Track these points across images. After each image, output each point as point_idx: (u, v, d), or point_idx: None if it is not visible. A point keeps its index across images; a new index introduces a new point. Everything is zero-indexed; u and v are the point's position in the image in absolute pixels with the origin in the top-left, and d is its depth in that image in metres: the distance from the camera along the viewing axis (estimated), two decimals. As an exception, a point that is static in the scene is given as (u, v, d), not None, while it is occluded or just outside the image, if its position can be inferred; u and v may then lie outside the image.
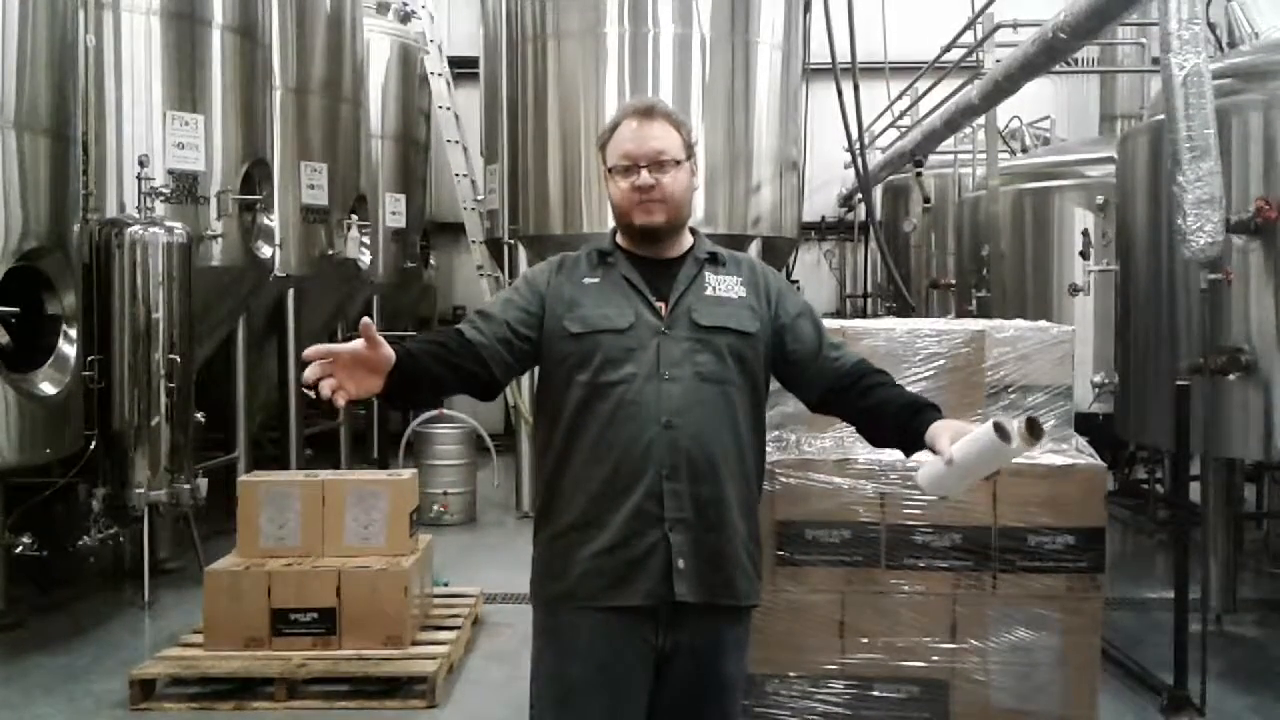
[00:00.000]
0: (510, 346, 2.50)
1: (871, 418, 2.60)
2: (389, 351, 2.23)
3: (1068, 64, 7.76)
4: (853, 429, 2.72)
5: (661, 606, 2.47)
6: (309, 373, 2.16)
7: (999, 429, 2.20)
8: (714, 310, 2.54)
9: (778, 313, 2.63)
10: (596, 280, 2.56)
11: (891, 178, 11.84)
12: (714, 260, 2.63)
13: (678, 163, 2.53)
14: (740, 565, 2.54)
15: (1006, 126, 10.29)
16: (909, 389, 2.68)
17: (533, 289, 2.57)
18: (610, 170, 2.56)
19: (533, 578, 2.63)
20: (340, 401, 2.17)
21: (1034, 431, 2.20)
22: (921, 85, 10.28)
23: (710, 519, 2.48)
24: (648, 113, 2.56)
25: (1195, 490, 5.98)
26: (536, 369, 2.62)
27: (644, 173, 2.50)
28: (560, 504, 2.53)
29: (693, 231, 2.67)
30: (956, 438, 2.31)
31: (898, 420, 2.51)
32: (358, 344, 2.21)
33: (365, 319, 2.26)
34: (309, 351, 2.17)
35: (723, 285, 2.58)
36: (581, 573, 2.49)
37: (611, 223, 2.70)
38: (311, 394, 2.16)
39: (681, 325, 2.51)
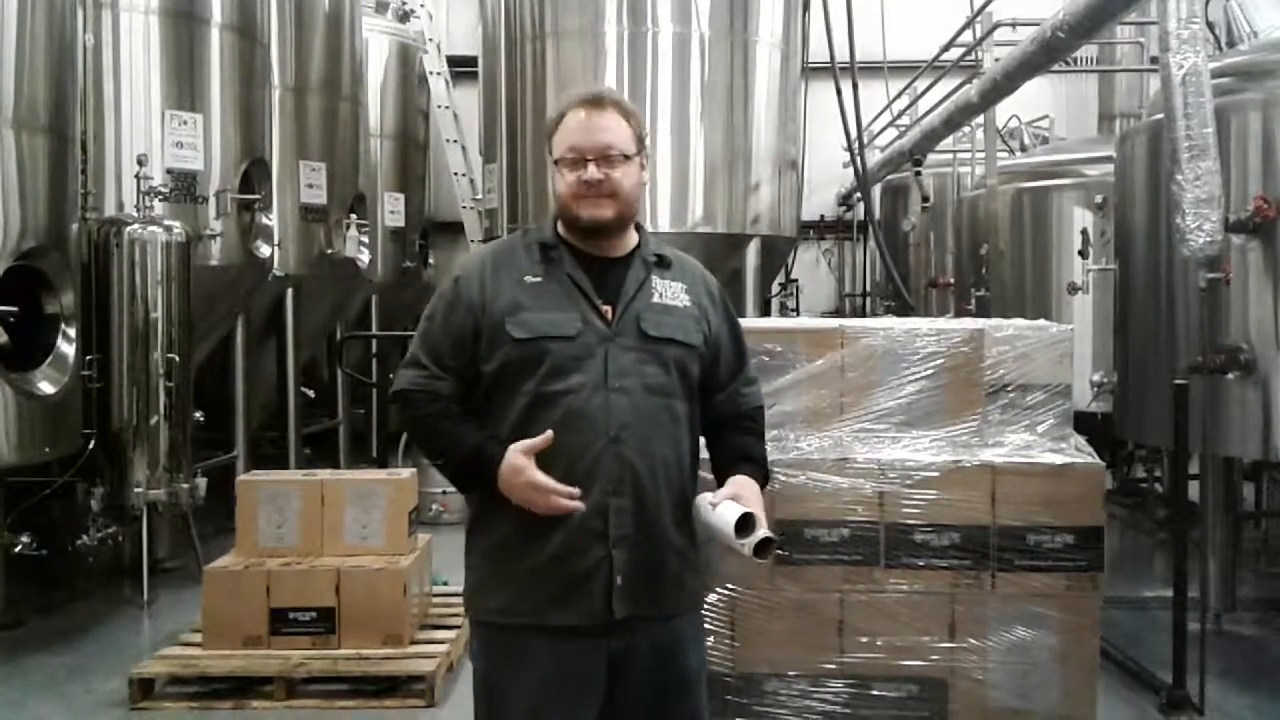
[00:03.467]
0: (470, 385, 2.48)
1: (712, 452, 2.66)
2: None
3: (1066, 63, 7.76)
4: (852, 428, 2.73)
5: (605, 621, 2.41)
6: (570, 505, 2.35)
7: (744, 523, 2.33)
8: (661, 320, 2.47)
9: (717, 331, 2.58)
10: (539, 280, 2.45)
11: (890, 177, 11.83)
12: (661, 263, 2.55)
13: (627, 157, 2.44)
14: (672, 576, 2.48)
15: (1005, 125, 10.29)
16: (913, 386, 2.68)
17: (465, 308, 2.45)
18: (556, 162, 2.46)
19: (466, 592, 2.54)
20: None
21: (761, 551, 2.33)
22: (920, 84, 10.28)
23: (650, 534, 2.43)
24: (596, 102, 2.46)
25: (1194, 489, 5.98)
26: None
27: (591, 167, 2.41)
28: (499, 514, 2.43)
29: (638, 228, 2.58)
30: (736, 497, 2.40)
31: (723, 459, 2.59)
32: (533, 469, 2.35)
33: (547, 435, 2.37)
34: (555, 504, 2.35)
35: (669, 291, 2.51)
36: (520, 587, 2.41)
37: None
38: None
39: (629, 334, 2.44)
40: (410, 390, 2.49)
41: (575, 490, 2.33)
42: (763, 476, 2.57)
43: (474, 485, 2.47)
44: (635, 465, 2.39)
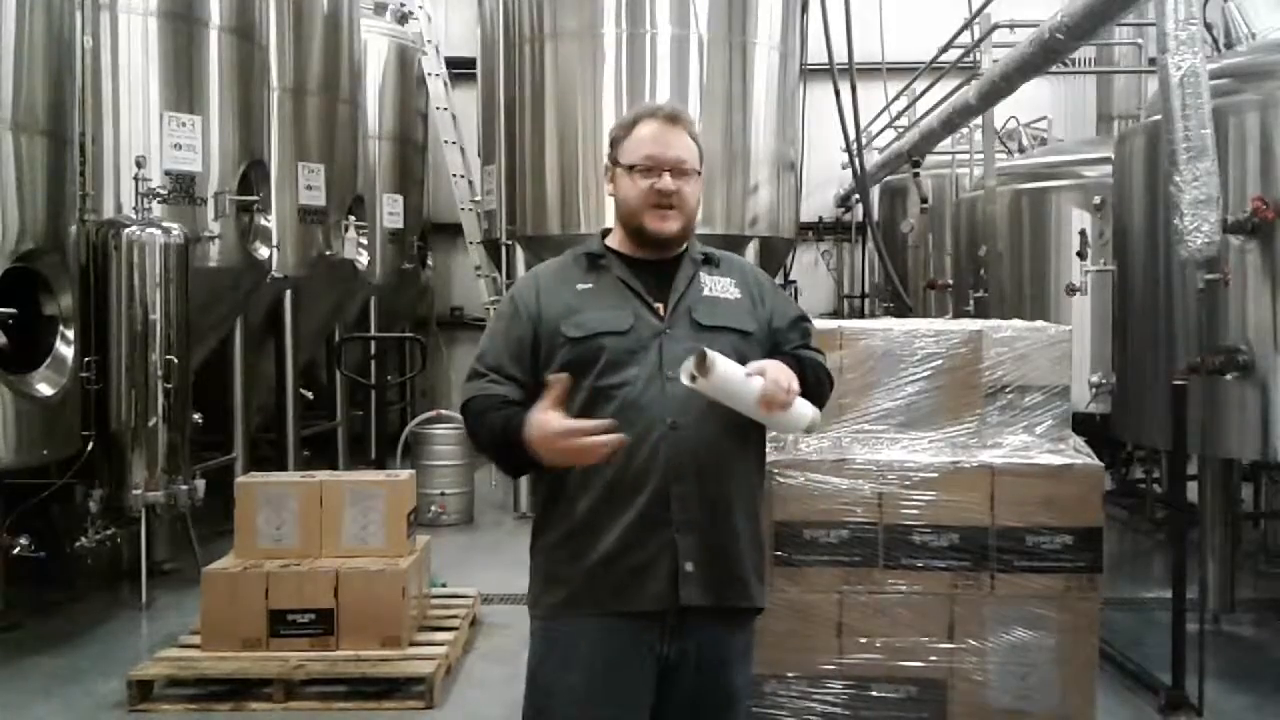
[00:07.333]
0: (533, 394, 2.47)
1: None
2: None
3: (1065, 64, 7.75)
4: (851, 429, 2.73)
5: (667, 612, 2.43)
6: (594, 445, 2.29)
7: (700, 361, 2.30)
8: (713, 310, 2.53)
9: (772, 317, 2.62)
10: (590, 285, 2.53)
11: (889, 178, 11.84)
12: (708, 261, 2.62)
13: (697, 173, 2.54)
14: (745, 566, 2.52)
15: (1004, 127, 10.28)
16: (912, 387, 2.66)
17: (525, 319, 2.52)
18: (629, 168, 2.52)
19: (531, 586, 2.58)
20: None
21: (701, 367, 2.29)
22: (919, 86, 10.28)
23: (717, 520, 2.46)
24: (674, 119, 2.55)
25: (1193, 490, 5.99)
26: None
27: (668, 177, 2.48)
28: (561, 510, 2.48)
29: None
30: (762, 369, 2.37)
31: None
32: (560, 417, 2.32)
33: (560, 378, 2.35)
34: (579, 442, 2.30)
35: (718, 286, 2.58)
36: (585, 580, 2.45)
37: (608, 223, 2.69)
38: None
39: (682, 325, 2.49)
40: (470, 398, 2.53)
41: (605, 423, 2.30)
42: (798, 366, 2.48)
43: (516, 464, 2.46)
44: (696, 451, 2.42)
